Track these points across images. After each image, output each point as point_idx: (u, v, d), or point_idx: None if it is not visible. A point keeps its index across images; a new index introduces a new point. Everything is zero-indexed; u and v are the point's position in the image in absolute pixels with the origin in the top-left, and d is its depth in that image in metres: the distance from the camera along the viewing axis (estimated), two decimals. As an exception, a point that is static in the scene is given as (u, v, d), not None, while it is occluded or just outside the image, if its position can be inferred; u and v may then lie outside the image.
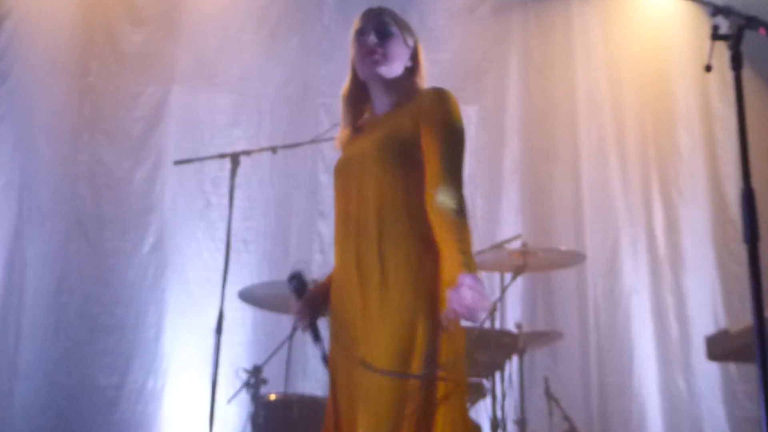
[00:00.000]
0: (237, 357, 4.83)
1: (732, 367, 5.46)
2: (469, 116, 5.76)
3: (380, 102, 2.53)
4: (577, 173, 5.82)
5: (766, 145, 5.29)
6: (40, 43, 5.34)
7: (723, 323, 5.49)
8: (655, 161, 5.94)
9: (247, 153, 4.34)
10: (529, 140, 5.84)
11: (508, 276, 4.47)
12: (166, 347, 5.09)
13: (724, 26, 2.11)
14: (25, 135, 5.22)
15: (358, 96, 2.58)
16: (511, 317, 5.09)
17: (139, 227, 5.25)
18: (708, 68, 2.12)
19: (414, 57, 2.55)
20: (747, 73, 2.08)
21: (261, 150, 4.47)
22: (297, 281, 2.44)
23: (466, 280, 2.08)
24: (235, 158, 4.26)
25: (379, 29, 2.50)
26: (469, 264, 2.13)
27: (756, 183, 2.04)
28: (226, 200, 4.29)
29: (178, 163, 4.59)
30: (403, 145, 2.35)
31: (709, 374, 5.44)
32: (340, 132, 2.59)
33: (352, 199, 2.39)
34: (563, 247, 4.98)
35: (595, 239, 5.68)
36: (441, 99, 2.39)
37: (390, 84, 2.50)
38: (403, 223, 2.30)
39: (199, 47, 5.61)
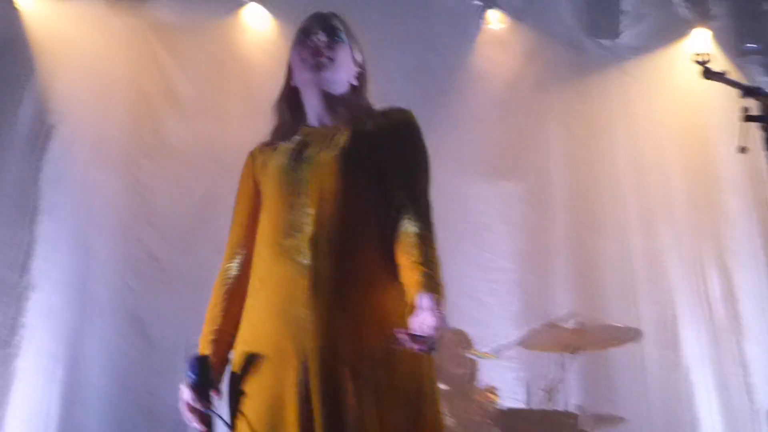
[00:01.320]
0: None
1: (802, 435, 5.28)
2: (514, 194, 5.78)
3: (315, 112, 2.20)
4: (627, 245, 5.75)
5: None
6: (92, 145, 5.51)
7: (789, 390, 5.34)
8: (706, 227, 5.85)
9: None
10: (575, 214, 5.81)
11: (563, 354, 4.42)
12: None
13: (756, 108, 2.11)
14: (81, 234, 5.36)
15: (290, 105, 2.25)
16: (572, 397, 4.97)
17: (194, 321, 5.29)
18: (742, 149, 2.12)
19: (361, 78, 2.23)
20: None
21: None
22: (201, 366, 2.00)
23: (423, 301, 1.84)
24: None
25: (329, 31, 2.17)
26: (429, 284, 1.90)
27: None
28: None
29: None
30: (367, 164, 2.09)
31: (780, 444, 5.26)
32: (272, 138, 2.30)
33: (303, 210, 2.07)
34: (619, 324, 4.87)
35: (651, 311, 5.57)
36: (410, 123, 2.15)
37: (332, 99, 2.17)
38: (368, 243, 2.05)
39: (245, 138, 5.69)
